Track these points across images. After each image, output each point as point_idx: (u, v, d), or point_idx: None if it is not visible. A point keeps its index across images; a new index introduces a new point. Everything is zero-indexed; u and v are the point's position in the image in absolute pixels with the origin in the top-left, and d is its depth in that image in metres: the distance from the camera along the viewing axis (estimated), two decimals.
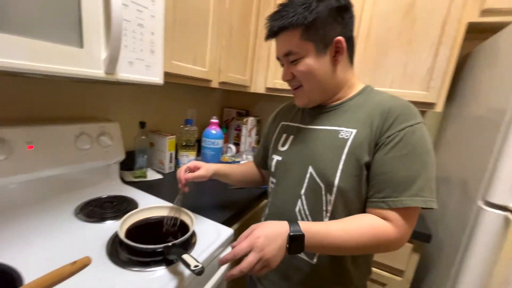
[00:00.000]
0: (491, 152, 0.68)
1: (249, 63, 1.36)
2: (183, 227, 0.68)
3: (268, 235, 0.47)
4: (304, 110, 0.67)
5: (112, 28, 0.56)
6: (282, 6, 0.55)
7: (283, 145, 0.66)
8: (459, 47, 1.00)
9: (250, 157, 1.45)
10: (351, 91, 0.60)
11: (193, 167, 0.73)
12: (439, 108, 1.07)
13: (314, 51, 0.54)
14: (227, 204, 0.91)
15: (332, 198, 0.56)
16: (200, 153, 1.23)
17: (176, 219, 0.69)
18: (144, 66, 0.70)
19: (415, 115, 0.52)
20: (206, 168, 0.73)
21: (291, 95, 0.65)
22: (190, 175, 0.70)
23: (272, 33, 0.57)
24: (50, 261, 0.54)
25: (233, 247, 0.49)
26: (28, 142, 0.68)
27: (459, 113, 1.06)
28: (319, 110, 0.62)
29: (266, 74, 1.37)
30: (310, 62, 0.55)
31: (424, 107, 1.09)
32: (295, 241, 0.47)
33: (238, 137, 1.68)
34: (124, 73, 0.64)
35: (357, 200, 0.55)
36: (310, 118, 0.64)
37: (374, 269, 1.00)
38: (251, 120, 1.60)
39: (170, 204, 0.78)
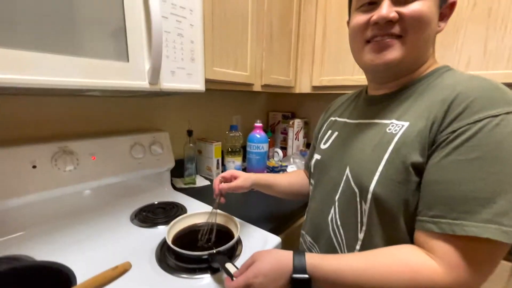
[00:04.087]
0: None
1: (293, 63, 1.31)
2: (229, 235, 0.66)
3: (268, 274, 0.40)
4: (357, 102, 0.58)
5: (153, 40, 0.58)
6: None
7: (325, 143, 0.59)
8: None
9: (298, 161, 1.37)
10: (423, 71, 0.47)
11: (229, 177, 0.68)
12: None
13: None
14: (275, 212, 0.86)
15: (366, 208, 0.43)
16: (245, 159, 1.22)
17: (211, 230, 0.64)
18: (185, 75, 0.71)
19: (508, 101, 0.35)
20: (244, 178, 0.67)
21: (340, 92, 0.56)
22: (226, 185, 0.65)
23: None
24: (104, 263, 0.56)
25: (234, 277, 0.44)
26: (91, 154, 0.76)
27: None
28: (373, 101, 0.52)
29: (311, 72, 1.30)
30: (432, 7, 0.41)
31: None
32: (299, 284, 0.39)
33: (285, 140, 1.62)
34: (167, 83, 0.66)
35: (401, 216, 0.41)
36: (360, 111, 0.55)
37: None
38: (297, 123, 1.53)
39: (216, 211, 0.77)
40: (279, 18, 1.13)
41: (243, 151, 1.20)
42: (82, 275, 0.49)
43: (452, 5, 0.44)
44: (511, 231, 0.32)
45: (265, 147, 1.12)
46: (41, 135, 0.74)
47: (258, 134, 1.13)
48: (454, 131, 0.36)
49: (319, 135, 0.64)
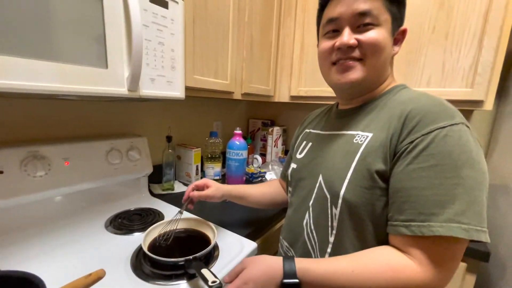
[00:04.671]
0: None
1: (272, 73, 1.35)
2: (205, 240, 0.67)
3: (258, 280, 0.43)
4: (329, 115, 0.63)
5: (133, 48, 0.59)
6: None
7: (300, 153, 0.62)
8: (507, 36, 0.88)
9: (277, 167, 1.41)
10: (382, 89, 0.53)
11: (202, 185, 0.71)
12: (488, 106, 0.94)
13: (390, 27, 0.48)
14: (251, 218, 0.88)
15: (337, 212, 0.47)
16: (225, 165, 1.23)
17: (169, 234, 0.66)
18: (165, 82, 0.72)
19: (451, 115, 0.41)
20: (216, 188, 0.70)
21: (317, 102, 0.60)
22: (197, 193, 0.68)
23: None
24: (77, 271, 0.55)
25: (225, 282, 0.45)
26: (64, 159, 0.73)
27: (508, 111, 0.92)
28: (343, 114, 0.57)
29: (290, 83, 1.35)
30: (384, 33, 0.47)
31: (470, 105, 0.97)
32: None
33: (264, 147, 1.66)
34: (146, 90, 0.67)
35: (368, 220, 0.45)
36: (332, 124, 0.59)
37: None
38: (276, 130, 1.58)
39: (193, 216, 0.78)
40: (260, 30, 1.18)
41: (223, 157, 1.21)
42: (52, 285, 0.48)
43: (404, 32, 0.50)
44: (470, 228, 0.37)
45: (244, 154, 1.15)
46: (9, 138, 0.71)
47: (238, 141, 1.15)
48: (411, 142, 0.41)
49: (295, 146, 0.68)
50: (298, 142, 0.67)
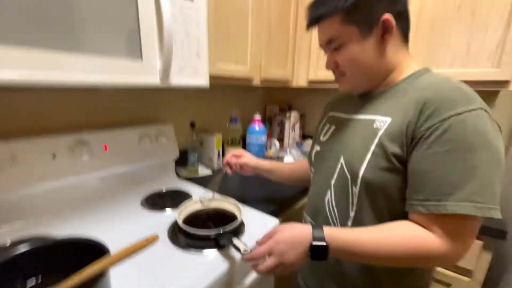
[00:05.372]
0: None
1: (290, 56, 1.36)
2: (231, 217, 0.74)
3: (288, 241, 0.47)
4: (352, 99, 0.65)
5: (165, 40, 0.63)
6: None
7: (324, 135, 0.66)
8: None
9: (295, 152, 1.45)
10: (401, 75, 0.54)
11: (239, 155, 0.82)
12: None
13: (358, 35, 0.50)
14: (274, 197, 0.94)
15: (356, 190, 0.51)
16: (245, 149, 1.29)
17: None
18: (192, 71, 0.76)
19: (470, 100, 0.42)
20: (251, 157, 0.82)
21: (335, 86, 0.63)
22: (234, 159, 0.80)
23: (312, 22, 0.55)
24: (125, 241, 0.64)
25: (257, 244, 0.50)
26: (104, 144, 0.81)
27: None
28: (365, 98, 0.59)
29: (308, 66, 1.36)
30: (354, 48, 0.51)
31: (496, 86, 0.95)
32: (318, 251, 0.46)
33: (282, 132, 1.69)
34: (176, 79, 0.71)
35: (385, 198, 0.49)
36: (354, 107, 0.61)
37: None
38: (293, 115, 1.60)
39: (221, 196, 0.84)
40: (278, 12, 1.18)
41: (243, 142, 1.26)
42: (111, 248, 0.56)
43: (384, 22, 0.48)
44: (483, 206, 0.39)
45: (263, 138, 1.19)
46: (59, 127, 0.80)
47: (257, 126, 1.19)
48: (429, 128, 0.43)
49: (319, 129, 0.71)
50: (322, 124, 0.71)
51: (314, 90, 1.64)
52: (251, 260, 0.50)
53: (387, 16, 0.48)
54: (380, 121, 0.50)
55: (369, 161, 0.49)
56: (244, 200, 0.85)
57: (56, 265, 0.45)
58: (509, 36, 0.88)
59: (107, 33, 0.55)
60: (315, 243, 0.45)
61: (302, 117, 1.71)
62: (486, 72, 0.94)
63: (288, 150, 1.45)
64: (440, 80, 0.47)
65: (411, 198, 0.46)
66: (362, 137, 0.52)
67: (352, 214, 0.53)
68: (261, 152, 1.21)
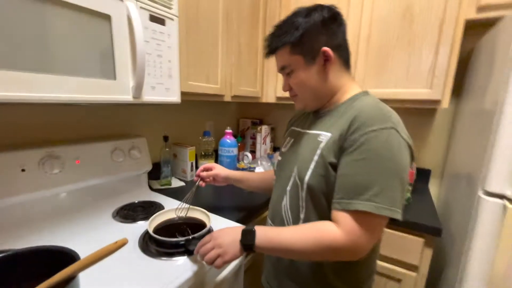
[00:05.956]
0: (487, 143, 0.71)
1: (259, 76, 1.47)
2: (201, 225, 0.79)
3: (224, 230, 0.59)
4: (309, 115, 0.75)
5: (138, 61, 0.69)
6: (276, 27, 0.63)
7: (285, 147, 0.75)
8: (459, 44, 1.02)
9: (265, 163, 1.53)
10: (344, 96, 0.63)
11: (210, 167, 0.89)
12: (445, 104, 1.09)
13: (303, 63, 0.61)
14: (242, 205, 1.01)
15: (303, 194, 0.60)
16: (218, 161, 1.35)
17: (188, 199, 0.83)
18: (164, 89, 0.83)
19: (384, 121, 0.51)
20: (221, 168, 0.89)
21: None
22: (205, 172, 0.87)
23: (268, 52, 0.66)
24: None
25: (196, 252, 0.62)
26: (76, 158, 0.83)
27: (466, 109, 1.07)
28: (316, 115, 0.69)
29: (276, 84, 1.47)
30: (301, 74, 0.62)
31: (430, 104, 1.11)
32: (247, 235, 0.56)
33: (254, 145, 1.78)
34: (148, 96, 0.77)
35: (324, 200, 0.57)
36: (308, 123, 0.71)
37: (387, 264, 1.02)
38: (265, 129, 1.70)
39: (191, 206, 0.89)
40: (247, 37, 1.29)
41: (215, 155, 1.32)
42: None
43: (324, 52, 0.59)
44: (380, 207, 0.48)
45: (234, 151, 1.26)
46: (29, 141, 0.81)
47: (229, 139, 1.26)
48: (352, 140, 0.52)
49: (283, 141, 0.80)
50: (284, 138, 0.80)
51: (282, 105, 1.76)
52: (198, 250, 0.60)
53: (325, 48, 0.59)
54: (323, 135, 0.60)
55: (312, 169, 0.58)
56: (214, 209, 0.91)
57: (30, 273, 0.47)
58: (438, 62, 1.06)
59: (80, 56, 0.60)
60: (246, 228, 0.56)
61: (273, 130, 1.82)
62: (422, 92, 1.10)
63: (259, 161, 1.53)
64: (368, 103, 0.58)
65: (334, 197, 0.54)
66: (310, 149, 0.61)
67: (302, 216, 0.61)
68: (232, 164, 1.28)
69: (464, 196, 0.87)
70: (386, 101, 1.16)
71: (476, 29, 1.11)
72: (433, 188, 1.40)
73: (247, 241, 0.55)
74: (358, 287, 0.63)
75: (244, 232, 0.56)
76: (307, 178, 0.58)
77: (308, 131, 0.67)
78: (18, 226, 0.73)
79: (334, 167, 0.55)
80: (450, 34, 1.02)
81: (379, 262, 1.03)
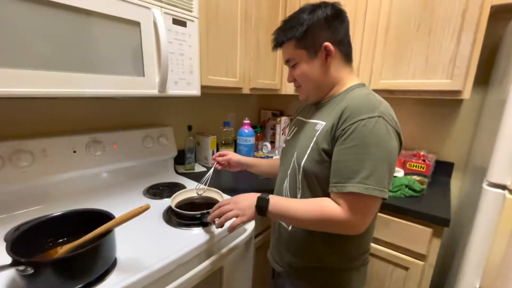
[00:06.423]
0: (496, 134, 0.70)
1: (279, 69, 1.52)
2: (215, 203, 0.89)
3: (241, 196, 0.67)
4: (311, 106, 0.81)
5: (162, 60, 0.81)
6: (283, 22, 0.69)
7: (289, 135, 0.82)
8: (483, 32, 0.98)
9: None
10: (342, 88, 0.68)
11: (224, 153, 1.00)
12: (466, 95, 1.05)
13: (307, 57, 0.66)
14: (253, 188, 1.09)
15: (300, 177, 0.67)
16: (236, 150, 1.45)
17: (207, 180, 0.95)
18: (185, 83, 0.94)
19: (372, 110, 0.56)
20: (234, 154, 0.99)
21: None
22: (220, 158, 0.98)
23: (275, 45, 0.71)
24: None
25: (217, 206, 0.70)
26: (114, 143, 0.99)
27: (490, 99, 1.02)
28: (317, 106, 0.75)
29: None
30: (304, 67, 0.67)
31: (450, 95, 1.08)
32: (261, 202, 0.63)
33: (274, 135, 1.85)
34: (171, 90, 0.89)
35: (318, 182, 0.64)
36: (310, 113, 0.77)
37: (395, 252, 1.04)
38: (284, 120, 1.76)
39: (208, 188, 1.00)
40: (265, 33, 1.35)
41: (235, 143, 1.43)
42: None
43: (326, 47, 0.64)
44: (370, 187, 0.54)
45: (252, 140, 1.35)
46: (78, 128, 0.98)
47: (246, 129, 1.35)
48: (343, 129, 0.57)
49: (289, 129, 0.87)
50: (290, 127, 0.86)
51: None
52: (216, 210, 0.68)
53: (327, 43, 0.64)
54: (320, 124, 0.66)
55: (308, 154, 0.65)
56: (231, 191, 1.01)
57: (78, 229, 0.62)
58: (460, 52, 1.02)
59: (116, 58, 0.73)
60: (261, 196, 0.64)
61: (292, 121, 1.86)
62: (442, 83, 1.07)
63: (277, 151, 1.61)
64: (359, 94, 0.62)
65: (330, 181, 0.60)
66: (308, 137, 0.67)
67: (298, 196, 0.69)
68: (250, 152, 1.37)
69: (475, 188, 0.86)
70: (403, 92, 1.16)
71: (506, 14, 1.04)
72: (456, 181, 1.35)
73: (262, 207, 0.63)
74: (346, 261, 0.69)
75: (259, 199, 0.64)
76: (303, 162, 0.65)
77: (309, 120, 0.73)
78: (71, 196, 0.91)
79: (327, 152, 0.61)
80: (474, 22, 0.98)
81: (387, 250, 1.06)
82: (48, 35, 0.60)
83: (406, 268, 1.03)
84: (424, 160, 1.26)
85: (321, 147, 0.62)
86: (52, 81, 0.62)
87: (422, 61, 1.11)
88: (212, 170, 0.97)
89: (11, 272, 0.54)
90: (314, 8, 0.65)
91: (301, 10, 0.66)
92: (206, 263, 0.71)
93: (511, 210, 0.61)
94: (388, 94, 1.21)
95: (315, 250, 0.68)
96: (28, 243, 0.55)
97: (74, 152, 0.89)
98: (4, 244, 0.47)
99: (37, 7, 0.58)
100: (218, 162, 1.01)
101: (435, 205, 1.00)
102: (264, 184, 1.16)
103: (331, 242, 0.67)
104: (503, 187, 0.66)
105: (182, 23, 0.88)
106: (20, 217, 0.77)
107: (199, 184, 0.95)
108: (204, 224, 0.79)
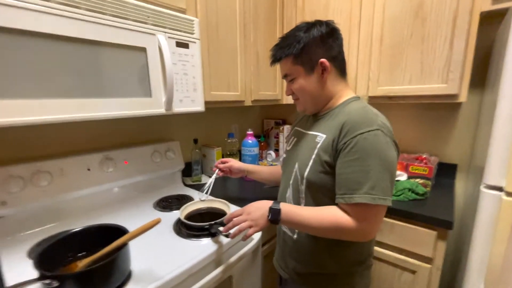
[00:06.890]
0: (489, 135, 0.72)
1: (279, 80, 1.57)
2: (222, 214, 0.93)
3: (254, 205, 0.69)
4: (309, 117, 0.85)
5: (167, 81, 0.86)
6: (281, 39, 0.74)
7: (289, 146, 0.85)
8: (474, 37, 1.01)
9: None
10: (338, 101, 0.72)
11: (225, 161, 1.05)
12: (462, 98, 1.07)
13: (303, 73, 0.70)
14: (258, 197, 1.12)
15: (303, 188, 0.70)
16: (241, 160, 1.49)
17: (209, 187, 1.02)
18: (190, 101, 0.99)
19: (370, 124, 0.60)
20: (235, 161, 1.04)
21: None
22: (222, 165, 1.04)
23: (273, 61, 0.75)
24: None
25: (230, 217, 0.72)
26: (124, 159, 1.04)
27: (486, 101, 1.04)
28: (315, 118, 0.79)
29: None
30: (301, 81, 0.71)
31: (447, 99, 1.11)
32: (274, 212, 0.66)
33: (278, 143, 1.89)
34: (177, 108, 0.94)
35: (321, 192, 0.67)
36: (309, 125, 0.81)
37: (401, 256, 1.05)
38: (286, 128, 1.79)
39: (214, 198, 1.04)
40: (264, 46, 1.41)
41: (239, 154, 1.47)
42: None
43: (321, 63, 0.67)
44: (375, 197, 0.57)
45: (255, 150, 1.39)
46: (91, 147, 1.04)
47: (250, 140, 1.40)
48: (344, 143, 0.61)
49: (288, 139, 0.91)
50: (289, 137, 0.90)
51: None
52: (229, 222, 0.71)
53: (323, 60, 0.68)
54: (320, 136, 0.69)
55: (310, 166, 0.68)
56: (236, 200, 1.05)
57: (95, 243, 0.66)
58: (453, 57, 1.05)
59: (124, 82, 0.78)
60: (273, 206, 0.66)
61: (290, 131, 1.90)
62: (438, 88, 1.10)
63: (281, 159, 1.64)
64: (356, 107, 0.66)
65: (337, 193, 0.64)
66: (309, 148, 0.71)
67: (302, 205, 0.72)
68: (254, 161, 1.41)
69: (476, 190, 0.88)
70: (402, 97, 1.19)
71: (496, 19, 1.07)
72: (460, 182, 1.36)
73: (274, 217, 0.66)
74: (350, 266, 0.71)
75: (271, 210, 0.67)
76: (306, 173, 0.69)
77: (308, 131, 0.77)
78: (84, 212, 0.96)
79: (329, 164, 0.65)
80: (465, 28, 1.01)
81: (393, 254, 1.07)
82: (67, 67, 0.66)
83: (414, 272, 1.04)
84: (426, 163, 1.28)
85: (323, 159, 0.65)
86: (69, 108, 0.67)
87: (417, 67, 1.15)
88: (214, 176, 1.02)
89: (37, 286, 0.58)
90: (309, 26, 0.69)
91: (297, 28, 0.71)
92: (216, 271, 0.75)
93: (507, 211, 0.63)
94: (387, 100, 1.25)
95: (319, 256, 0.71)
96: (51, 257, 0.60)
97: (88, 170, 0.95)
98: (26, 259, 0.52)
99: (58, 43, 0.64)
100: (220, 169, 1.05)
101: (439, 207, 1.01)
102: (268, 192, 1.19)
103: (334, 249, 0.69)
104: (500, 188, 0.68)
105: (185, 45, 0.94)
106: (39, 234, 0.82)
107: (202, 194, 1.00)
108: (213, 235, 0.83)
